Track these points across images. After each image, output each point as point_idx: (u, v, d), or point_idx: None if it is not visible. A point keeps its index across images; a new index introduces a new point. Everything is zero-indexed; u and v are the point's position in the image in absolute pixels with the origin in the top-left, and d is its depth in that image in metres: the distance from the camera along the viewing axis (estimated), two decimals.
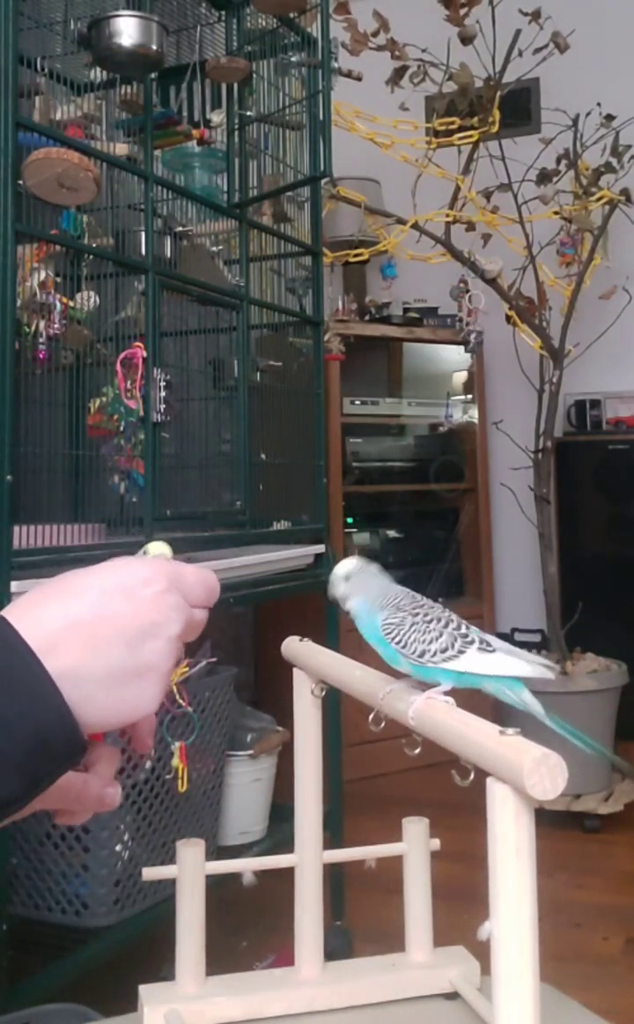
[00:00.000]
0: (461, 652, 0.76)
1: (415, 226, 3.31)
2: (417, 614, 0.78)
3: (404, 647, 0.76)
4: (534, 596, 3.60)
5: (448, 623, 0.78)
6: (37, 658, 0.48)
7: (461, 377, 4.06)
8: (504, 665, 0.77)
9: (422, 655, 0.76)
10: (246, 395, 2.12)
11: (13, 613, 0.50)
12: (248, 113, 2.16)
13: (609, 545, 3.87)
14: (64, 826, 1.72)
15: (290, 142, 2.31)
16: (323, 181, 2.58)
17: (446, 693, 0.76)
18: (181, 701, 1.81)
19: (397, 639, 0.77)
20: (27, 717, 0.46)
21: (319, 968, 0.98)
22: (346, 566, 0.81)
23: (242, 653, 3.50)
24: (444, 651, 0.76)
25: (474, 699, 0.79)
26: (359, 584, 0.80)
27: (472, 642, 0.77)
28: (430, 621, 0.77)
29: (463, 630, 0.78)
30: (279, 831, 2.17)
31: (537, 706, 0.79)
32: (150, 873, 0.99)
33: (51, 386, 1.77)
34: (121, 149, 1.93)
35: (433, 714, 0.73)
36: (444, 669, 0.76)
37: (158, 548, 0.67)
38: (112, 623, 0.51)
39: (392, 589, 0.80)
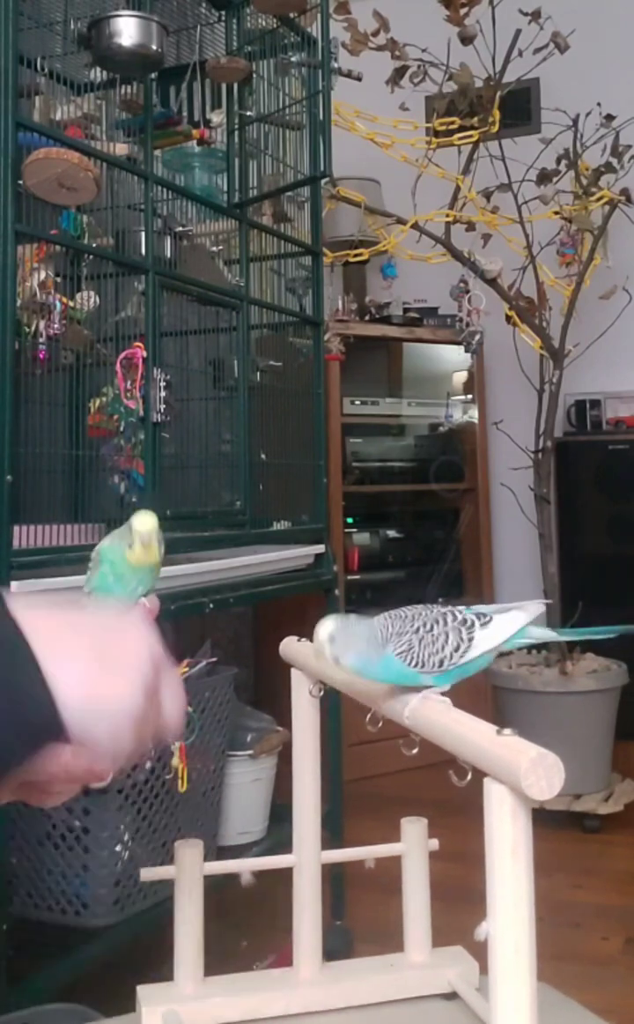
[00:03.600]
0: (471, 640, 0.77)
1: (415, 226, 3.31)
2: (416, 630, 0.77)
3: (423, 666, 0.76)
4: (534, 596, 3.56)
5: (444, 620, 0.77)
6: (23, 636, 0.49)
7: (461, 377, 4.06)
8: (508, 626, 0.78)
9: (442, 663, 0.76)
10: (246, 395, 2.12)
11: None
12: (248, 113, 2.16)
13: (609, 545, 3.86)
14: (64, 826, 1.72)
15: (290, 142, 2.31)
16: (323, 181, 2.58)
17: (443, 693, 0.76)
18: None
19: (415, 662, 0.76)
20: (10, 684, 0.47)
21: (318, 968, 0.98)
22: (326, 628, 0.77)
23: (242, 653, 3.50)
24: (458, 648, 0.76)
25: (473, 698, 0.79)
26: (346, 641, 0.77)
27: (473, 625, 0.78)
28: (430, 629, 0.77)
29: (459, 618, 0.78)
30: (280, 831, 2.17)
31: (549, 632, 0.83)
32: (148, 874, 0.99)
33: (51, 386, 1.77)
34: (121, 149, 1.94)
35: (430, 714, 0.73)
36: (465, 664, 0.77)
37: (146, 519, 0.70)
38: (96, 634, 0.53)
39: (374, 625, 0.78)
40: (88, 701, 0.50)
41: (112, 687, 0.51)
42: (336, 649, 0.76)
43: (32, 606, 0.52)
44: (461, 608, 0.80)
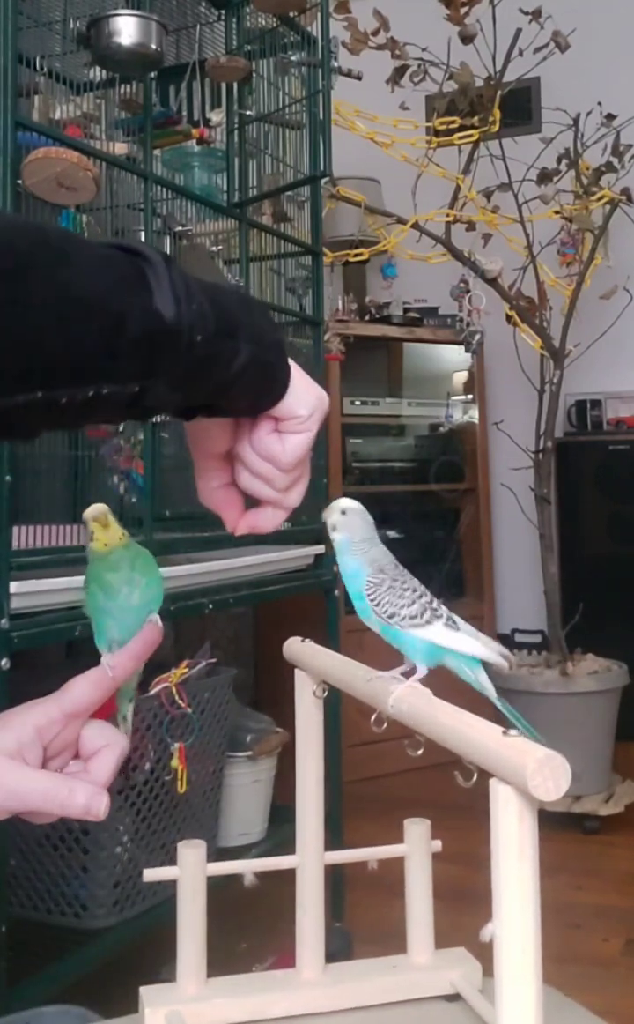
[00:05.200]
0: (428, 623, 0.81)
1: (415, 226, 3.31)
2: (396, 580, 0.82)
3: (377, 605, 0.81)
4: (534, 596, 3.59)
5: (422, 595, 0.82)
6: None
7: (461, 377, 4.06)
8: (464, 643, 0.81)
9: (392, 616, 0.80)
10: None
11: None
12: (248, 112, 2.16)
13: (609, 545, 3.86)
14: (64, 828, 1.71)
15: (290, 142, 2.31)
16: (323, 181, 2.57)
17: (421, 682, 0.78)
18: (180, 702, 1.80)
19: (373, 597, 0.81)
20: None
21: (320, 970, 0.98)
22: (347, 503, 0.85)
23: (242, 654, 3.49)
24: (413, 618, 0.81)
25: (473, 699, 0.79)
26: (349, 523, 0.85)
27: (440, 616, 0.81)
28: (406, 589, 0.82)
29: (434, 604, 0.82)
30: (278, 832, 2.17)
31: (490, 688, 0.82)
32: (151, 874, 0.98)
33: None
34: (120, 148, 1.93)
35: (427, 710, 0.72)
36: (410, 635, 0.80)
37: (93, 506, 0.70)
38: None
39: (378, 548, 0.85)
40: (300, 378, 0.69)
41: (315, 385, 0.71)
42: (339, 522, 0.84)
43: None
44: (444, 607, 0.84)
